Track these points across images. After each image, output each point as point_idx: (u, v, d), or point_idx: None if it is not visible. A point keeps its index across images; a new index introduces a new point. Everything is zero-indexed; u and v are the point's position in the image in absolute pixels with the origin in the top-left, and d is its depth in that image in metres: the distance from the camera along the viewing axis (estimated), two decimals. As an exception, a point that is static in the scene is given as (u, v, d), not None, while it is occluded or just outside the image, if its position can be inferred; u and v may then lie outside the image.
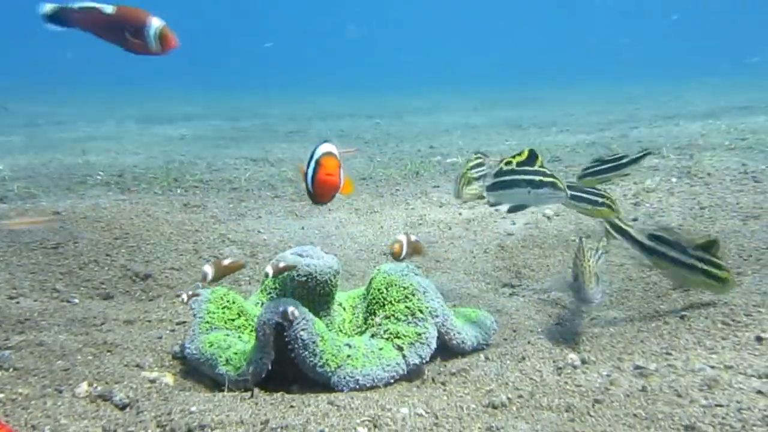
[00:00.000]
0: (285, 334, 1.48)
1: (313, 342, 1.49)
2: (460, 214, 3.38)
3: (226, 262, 1.54)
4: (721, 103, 8.38)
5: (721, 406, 1.26)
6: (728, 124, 6.04)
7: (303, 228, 3.17)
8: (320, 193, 1.46)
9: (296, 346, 1.48)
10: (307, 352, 1.48)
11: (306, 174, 1.47)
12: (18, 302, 1.99)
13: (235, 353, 1.57)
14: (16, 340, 1.65)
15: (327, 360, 1.50)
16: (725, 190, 3.29)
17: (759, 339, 1.57)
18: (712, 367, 1.45)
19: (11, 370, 1.47)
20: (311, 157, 1.47)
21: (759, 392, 1.30)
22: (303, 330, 1.48)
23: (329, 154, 1.44)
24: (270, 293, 1.86)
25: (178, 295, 1.59)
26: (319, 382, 1.52)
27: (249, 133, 7.82)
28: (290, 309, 1.47)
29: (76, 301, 2.12)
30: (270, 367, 1.49)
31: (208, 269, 1.48)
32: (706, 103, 8.65)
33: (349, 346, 1.58)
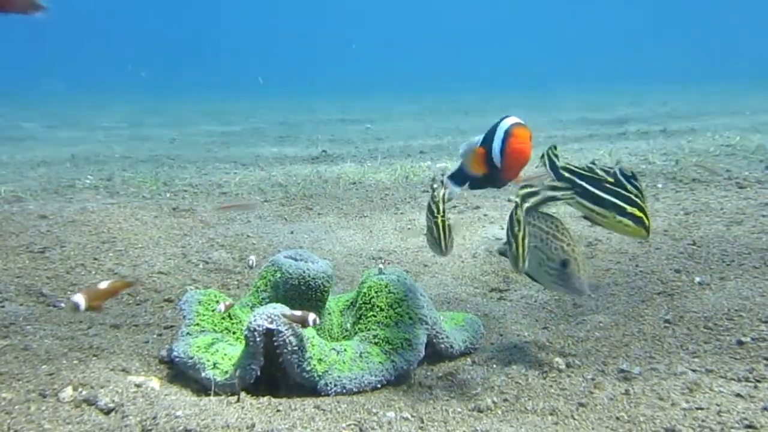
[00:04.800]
0: (274, 338, 1.48)
1: (302, 347, 1.49)
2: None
3: (104, 285, 1.40)
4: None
5: (701, 409, 1.29)
6: (713, 131, 6.13)
7: (292, 232, 3.17)
8: (510, 165, 1.34)
9: (285, 350, 1.48)
10: (294, 356, 1.49)
11: (489, 150, 1.35)
12: (3, 306, 1.97)
13: (223, 357, 1.57)
14: (0, 344, 1.63)
15: (314, 365, 1.51)
16: (709, 196, 3.34)
17: (740, 343, 1.60)
18: (694, 371, 1.47)
19: (-5, 374, 1.46)
20: (492, 132, 1.35)
21: (738, 395, 1.33)
22: (293, 335, 1.48)
23: (519, 125, 1.33)
24: (261, 296, 1.86)
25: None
26: (305, 387, 1.52)
27: (240, 137, 7.81)
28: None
29: (63, 305, 2.10)
30: (258, 373, 1.49)
31: (80, 299, 1.32)
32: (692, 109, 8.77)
33: (337, 351, 1.58)
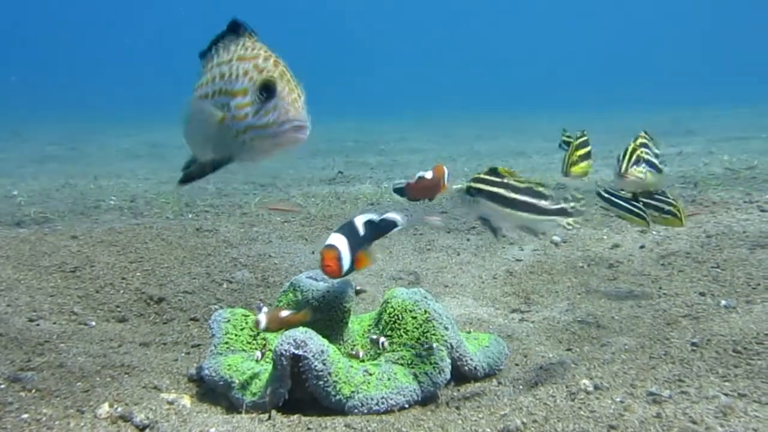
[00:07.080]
0: (300, 364, 1.49)
1: (328, 373, 1.50)
2: (468, 240, 3.42)
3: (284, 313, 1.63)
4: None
5: (735, 432, 1.28)
6: (730, 154, 6.11)
7: (313, 252, 3.20)
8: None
9: (310, 376, 1.49)
10: (321, 382, 1.49)
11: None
12: (38, 324, 2.02)
13: (252, 377, 1.59)
14: (37, 361, 1.68)
15: (341, 389, 1.51)
16: (731, 219, 3.32)
17: (770, 366, 1.59)
18: (726, 395, 1.46)
19: (34, 391, 1.50)
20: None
21: (773, 419, 1.32)
22: (317, 360, 1.49)
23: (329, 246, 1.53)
24: None
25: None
26: (333, 410, 1.53)
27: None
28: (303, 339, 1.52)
29: (93, 323, 2.15)
30: (287, 396, 1.50)
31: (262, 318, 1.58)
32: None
33: (364, 372, 1.59)
